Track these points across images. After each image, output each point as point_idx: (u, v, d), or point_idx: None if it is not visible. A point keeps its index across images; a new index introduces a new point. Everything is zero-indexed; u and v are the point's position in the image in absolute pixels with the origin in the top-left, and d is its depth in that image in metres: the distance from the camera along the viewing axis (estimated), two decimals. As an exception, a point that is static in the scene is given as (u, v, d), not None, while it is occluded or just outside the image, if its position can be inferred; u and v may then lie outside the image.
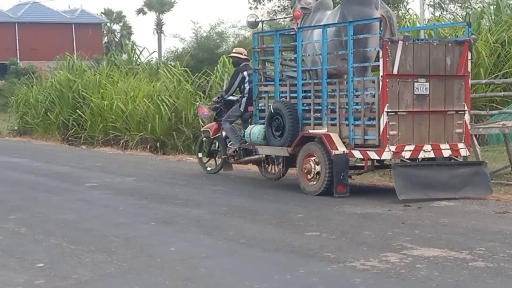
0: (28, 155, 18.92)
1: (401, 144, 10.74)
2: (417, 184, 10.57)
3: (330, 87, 11.56)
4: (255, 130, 12.42)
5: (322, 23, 11.90)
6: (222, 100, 13.89)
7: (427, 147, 10.99)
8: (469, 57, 11.38)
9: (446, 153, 11.15)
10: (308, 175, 11.35)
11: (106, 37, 70.30)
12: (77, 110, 23.70)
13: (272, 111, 12.03)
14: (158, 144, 20.11)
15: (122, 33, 70.58)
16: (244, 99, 13.43)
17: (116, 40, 68.64)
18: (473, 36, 11.81)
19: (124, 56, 31.30)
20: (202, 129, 15.14)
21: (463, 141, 11.29)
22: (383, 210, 9.75)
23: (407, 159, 10.82)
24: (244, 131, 12.88)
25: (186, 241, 8.12)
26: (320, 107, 11.67)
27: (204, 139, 14.51)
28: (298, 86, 12.01)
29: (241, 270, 6.80)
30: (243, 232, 8.43)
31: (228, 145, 13.63)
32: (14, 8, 66.21)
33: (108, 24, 70.85)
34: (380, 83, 10.63)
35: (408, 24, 19.91)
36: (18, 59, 58.51)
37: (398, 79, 10.71)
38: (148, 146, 20.20)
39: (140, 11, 70.96)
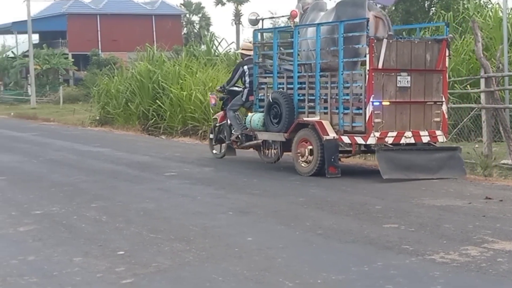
0: (109, 144, 19.29)
1: (385, 131, 12.01)
2: (399, 166, 11.86)
3: (323, 79, 12.82)
4: (255, 118, 13.82)
5: (315, 22, 13.25)
6: (225, 90, 15.36)
7: (408, 133, 12.26)
8: (447, 54, 12.71)
9: (425, 139, 12.43)
10: (302, 158, 12.66)
11: (185, 28, 71.09)
12: (157, 101, 24.00)
13: (271, 101, 13.37)
14: (235, 135, 20.22)
15: (201, 24, 71.27)
16: (246, 90, 14.79)
17: (195, 31, 69.35)
18: (450, 35, 13.11)
19: (203, 47, 31.58)
20: (213, 117, 17.08)
21: (440, 129, 12.56)
22: (463, 203, 9.59)
23: (390, 144, 12.04)
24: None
25: (263, 231, 8.15)
26: (313, 97, 12.95)
27: (217, 125, 15.72)
28: (294, 78, 13.27)
29: (318, 261, 6.79)
30: (320, 223, 8.41)
31: (232, 132, 14.91)
32: (96, 0, 67.53)
33: (187, 15, 71.61)
34: (367, 76, 11.92)
35: (490, 14, 19.51)
36: (100, 50, 59.76)
37: (382, 73, 12.01)
38: (226, 136, 20.33)
39: (219, 2, 71.44)
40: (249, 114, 14.35)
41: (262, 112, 13.75)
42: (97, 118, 27.85)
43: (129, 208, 9.75)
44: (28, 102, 46.27)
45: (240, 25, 68.84)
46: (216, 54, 27.93)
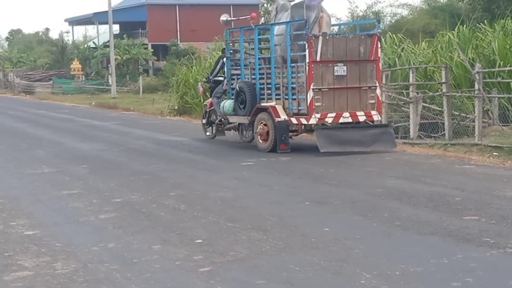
0: (188, 134, 19.48)
1: (325, 112, 14.26)
2: (336, 141, 14.09)
3: (277, 70, 15.07)
4: (227, 104, 16.30)
5: (270, 23, 15.79)
6: (210, 80, 17.71)
7: (346, 114, 14.45)
8: (379, 46, 14.84)
9: (362, 118, 14.62)
10: (261, 137, 14.98)
11: (263, 18, 71.10)
12: (234, 90, 24.08)
13: (238, 89, 15.74)
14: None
15: (278, 14, 71.04)
16: (225, 80, 16.90)
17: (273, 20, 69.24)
18: (379, 30, 15.08)
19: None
20: (203, 104, 19.42)
21: (375, 109, 14.73)
22: (547, 196, 9.33)
23: (329, 123, 14.30)
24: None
25: (340, 222, 8.12)
26: (270, 86, 15.22)
27: (207, 110, 17.93)
28: (256, 70, 15.61)
29: (396, 252, 6.72)
30: (398, 215, 8.32)
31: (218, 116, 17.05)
32: (175, -9, 68.15)
33: (265, 4, 71.59)
34: (307, 67, 14.10)
35: None
36: (179, 41, 60.33)
37: (321, 64, 14.23)
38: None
39: (296, -9, 71.13)
40: (223, 100, 16.68)
41: (232, 99, 16.10)
42: (176, 107, 28.12)
43: (207, 197, 9.84)
44: (108, 91, 47.11)
45: (318, 15, 68.47)
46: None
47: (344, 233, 7.48)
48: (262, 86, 15.44)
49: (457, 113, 16.50)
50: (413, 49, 21.49)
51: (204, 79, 18.70)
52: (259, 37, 15.86)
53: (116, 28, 63.80)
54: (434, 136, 16.46)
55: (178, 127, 22.01)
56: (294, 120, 14.61)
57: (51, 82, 55.52)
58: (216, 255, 6.74)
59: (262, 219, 8.25)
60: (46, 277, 6.22)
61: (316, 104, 14.15)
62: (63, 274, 6.30)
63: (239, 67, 16.38)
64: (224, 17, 17.69)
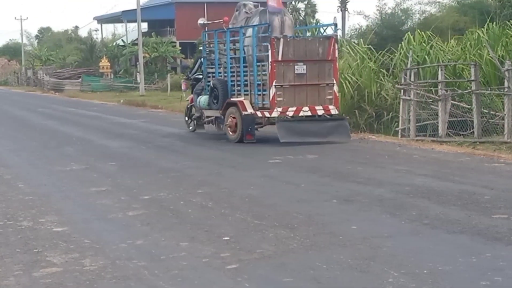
0: (215, 132, 19.51)
1: (286, 106, 15.88)
2: (295, 132, 15.57)
3: (245, 69, 16.61)
4: (203, 99, 17.95)
5: (238, 26, 17.38)
6: (189, 78, 19.68)
7: (306, 108, 16.03)
8: (336, 47, 16.42)
9: (320, 112, 16.21)
10: (230, 129, 16.57)
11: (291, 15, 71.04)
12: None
13: (212, 86, 17.43)
14: (340, 122, 20.11)
15: (306, 11, 71.07)
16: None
17: (301, 18, 69.16)
18: (335, 33, 17.07)
19: (308, 34, 31.42)
20: (186, 99, 21.09)
21: (333, 104, 16.34)
22: None
23: (290, 116, 15.82)
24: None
25: (368, 220, 8.08)
26: (240, 83, 16.74)
27: (188, 106, 19.70)
28: (228, 69, 17.24)
29: (425, 251, 6.68)
30: (427, 213, 8.27)
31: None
32: (203, -11, 68.25)
33: (293, 2, 71.51)
34: (269, 66, 15.71)
35: None
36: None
37: (282, 63, 15.86)
38: (331, 124, 20.24)
39: (325, -11, 70.96)
40: (199, 96, 18.31)
41: (208, 95, 17.73)
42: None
43: (234, 194, 9.86)
44: (137, 89, 47.36)
45: (346, 12, 68.25)
46: (321, 41, 27.74)
47: (371, 231, 7.45)
48: (233, 83, 17.07)
49: (486, 111, 16.38)
50: (442, 46, 21.36)
51: (185, 76, 21.11)
52: (231, 38, 17.53)
53: (144, 26, 64.09)
54: (463, 134, 16.35)
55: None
56: (259, 113, 16.23)
57: (80, 80, 55.96)
58: (243, 253, 6.75)
59: (289, 217, 8.25)
60: (75, 274, 6.26)
61: (278, 99, 15.85)
62: (91, 270, 6.35)
63: (213, 66, 18.11)
64: (201, 21, 19.48)
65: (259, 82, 16.18)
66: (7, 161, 14.07)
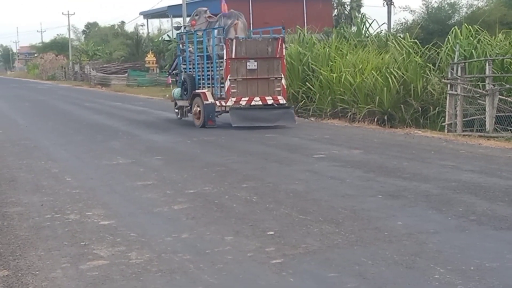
0: (260, 126, 19.51)
1: (239, 97, 18.84)
2: (246, 118, 18.56)
3: (208, 65, 19.80)
4: (176, 91, 21.45)
5: (203, 28, 20.60)
6: (170, 73, 23.35)
7: (257, 98, 19.00)
8: (283, 47, 19.46)
9: (270, 101, 19.15)
10: (196, 116, 19.63)
11: (336, 10, 70.68)
12: (307, 83, 24.06)
13: (183, 80, 20.81)
14: (385, 117, 19.98)
15: (352, 6, 70.56)
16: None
17: (346, 12, 68.80)
18: (282, 35, 19.66)
19: (354, 29, 31.29)
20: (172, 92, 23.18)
21: (281, 95, 19.24)
22: None
23: (243, 105, 18.79)
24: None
25: (414, 216, 8.02)
26: (203, 77, 20.05)
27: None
28: (195, 65, 20.69)
29: (471, 247, 6.61)
30: (473, 209, 8.18)
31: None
32: (249, -16, 68.23)
33: (338, -2, 71.07)
34: (225, 63, 18.77)
35: None
36: (251, 33, 60.44)
37: (236, 60, 18.82)
38: (376, 119, 20.13)
39: (370, -17, 70.36)
40: (174, 88, 21.88)
41: (180, 87, 21.00)
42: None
43: (278, 189, 9.86)
44: (182, 84, 47.47)
45: (392, 6, 67.69)
46: (367, 35, 27.61)
47: (417, 227, 7.39)
48: (199, 77, 20.31)
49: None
50: (489, 40, 21.06)
51: (167, 73, 25.33)
52: (198, 39, 20.77)
53: (189, 21, 64.21)
54: (511, 129, 16.12)
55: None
56: (218, 103, 19.18)
57: (126, 74, 56.36)
58: (288, 247, 6.75)
59: (334, 212, 8.23)
60: (121, 266, 6.33)
61: (232, 90, 18.78)
62: (137, 263, 6.41)
63: (185, 63, 21.39)
64: (175, 24, 24.47)
65: (218, 76, 19.29)
66: (54, 155, 14.26)
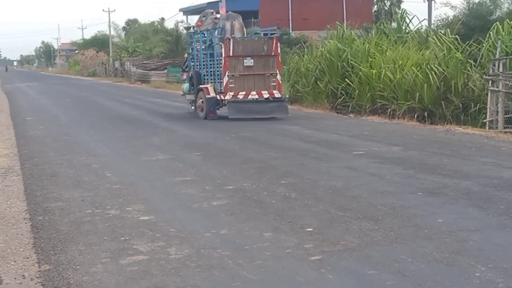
0: (299, 122, 19.52)
1: (237, 91, 20.59)
2: (243, 111, 20.36)
3: (211, 63, 21.56)
4: (185, 86, 23.38)
5: (208, 28, 22.19)
6: (184, 70, 24.58)
7: (253, 92, 20.67)
8: (278, 45, 21.07)
9: (266, 95, 20.83)
10: (200, 108, 21.60)
11: (375, 6, 70.29)
12: (346, 79, 23.95)
13: (191, 75, 22.68)
14: (425, 114, 19.80)
15: (392, 1, 70.09)
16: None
17: (386, 8, 68.37)
18: (276, 35, 21.46)
19: (393, 25, 31.03)
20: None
21: (276, 89, 20.91)
22: None
23: (240, 99, 20.55)
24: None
25: (454, 213, 7.95)
26: (207, 73, 21.85)
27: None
28: (201, 62, 22.44)
29: (513, 246, 6.53)
30: (515, 207, 8.08)
31: None
32: (288, -21, 68.16)
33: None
34: (223, 60, 20.48)
35: None
36: (290, 29, 60.39)
37: (233, 58, 20.55)
38: (416, 116, 19.97)
39: (410, -22, 69.89)
40: (185, 84, 23.74)
41: (189, 83, 22.83)
42: (287, 96, 28.20)
43: (317, 185, 9.84)
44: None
45: (433, 2, 67.08)
46: (407, 31, 27.38)
47: (458, 225, 7.32)
48: (204, 74, 22.00)
49: None
50: (532, 36, 20.74)
51: (181, 69, 27.24)
52: (203, 39, 22.37)
53: (229, 17, 64.34)
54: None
55: (289, 116, 22.06)
56: (218, 97, 20.88)
57: (165, 71, 56.66)
58: (327, 244, 6.74)
59: (373, 209, 8.18)
60: (161, 262, 6.37)
61: (230, 85, 20.50)
62: (176, 259, 6.44)
63: (193, 60, 23.17)
64: (185, 25, 26.11)
65: (218, 73, 21.03)
66: (95, 151, 14.40)
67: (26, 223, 8.12)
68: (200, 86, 21.60)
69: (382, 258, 6.25)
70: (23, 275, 6.18)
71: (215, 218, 8.05)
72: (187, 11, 74.65)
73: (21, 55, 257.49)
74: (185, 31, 26.84)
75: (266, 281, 5.82)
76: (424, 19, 37.83)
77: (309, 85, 26.13)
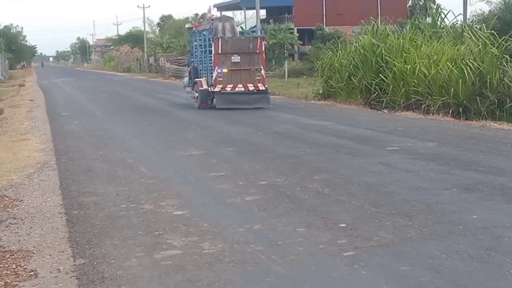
0: (332, 118, 19.47)
1: (225, 84, 23.21)
2: (229, 101, 23.04)
3: (204, 59, 24.60)
4: (186, 80, 26.91)
5: (205, 28, 25.34)
6: (189, 65, 27.18)
7: (240, 85, 23.26)
8: (262, 44, 23.86)
9: (251, 88, 23.36)
10: (195, 99, 24.76)
11: (410, 1, 69.79)
12: (380, 74, 23.82)
13: (189, 70, 26.07)
14: (460, 109, 19.63)
15: (426, -4, 69.53)
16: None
17: (421, 3, 67.87)
18: (260, 35, 24.80)
19: (428, 20, 30.82)
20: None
21: (261, 82, 23.48)
22: None
23: (228, 91, 23.14)
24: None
25: (489, 209, 7.88)
26: (202, 68, 25.10)
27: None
28: (197, 58, 25.75)
29: (549, 243, 6.46)
30: (552, 203, 7.99)
31: None
32: (322, -25, 67.94)
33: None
34: (213, 57, 23.24)
35: None
36: (324, 25, 60.21)
37: (222, 55, 23.19)
38: (450, 111, 19.80)
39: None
40: (185, 78, 27.66)
41: (188, 77, 26.22)
42: (320, 92, 28.13)
43: (351, 181, 9.81)
44: (255, 76, 47.59)
45: (468, -4, 66.32)
46: (442, 26, 27.15)
47: (493, 221, 7.26)
48: (200, 69, 25.15)
49: None
50: None
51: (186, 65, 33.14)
52: (199, 38, 25.61)
53: (263, 13, 64.44)
54: None
55: (323, 111, 22.02)
56: (209, 89, 23.72)
57: (199, 66, 56.78)
58: (360, 240, 6.72)
59: (407, 205, 8.14)
60: (194, 256, 6.40)
61: (219, 79, 23.21)
62: (210, 254, 6.47)
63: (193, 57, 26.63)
64: (188, 25, 30.23)
65: (210, 68, 23.79)
66: (130, 146, 14.51)
67: (61, 217, 8.21)
68: (196, 79, 24.75)
69: (416, 254, 6.22)
70: (58, 269, 6.25)
71: (248, 213, 8.07)
72: (221, 7, 74.78)
73: (57, 51, 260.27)
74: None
75: (299, 276, 5.82)
76: (460, 14, 37.45)
77: (342, 80, 26.04)
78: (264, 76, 23.96)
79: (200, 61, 25.30)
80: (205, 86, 23.87)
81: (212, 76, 23.49)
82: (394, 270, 5.86)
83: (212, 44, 23.32)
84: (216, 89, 23.25)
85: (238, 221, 7.65)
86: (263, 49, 24.04)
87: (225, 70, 23.16)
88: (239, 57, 23.28)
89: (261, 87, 23.46)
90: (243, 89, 23.29)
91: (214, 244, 6.78)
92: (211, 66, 23.57)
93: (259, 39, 23.80)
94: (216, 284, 5.71)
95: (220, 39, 23.27)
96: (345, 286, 5.59)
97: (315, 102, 26.78)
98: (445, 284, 5.50)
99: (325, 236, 6.92)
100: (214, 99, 23.70)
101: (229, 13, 70.99)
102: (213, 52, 23.29)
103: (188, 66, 28.14)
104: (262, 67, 23.65)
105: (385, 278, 5.70)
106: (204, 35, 24.99)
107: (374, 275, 5.79)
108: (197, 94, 24.34)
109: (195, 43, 26.21)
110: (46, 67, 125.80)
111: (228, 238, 6.97)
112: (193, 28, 27.83)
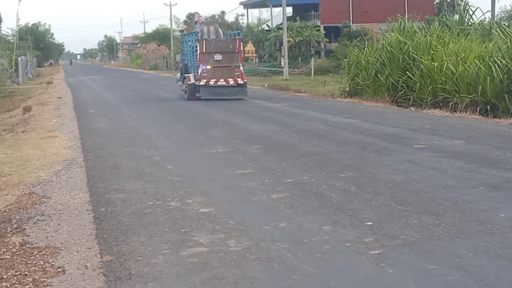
0: (358, 116, 19.41)
1: (209, 79, 27.19)
2: (212, 93, 27.16)
3: (192, 57, 28.90)
4: (178, 75, 31.36)
5: (194, 31, 30.58)
6: (181, 63, 32.35)
7: (222, 80, 27.24)
8: (241, 44, 28.25)
9: (231, 82, 27.32)
10: (184, 92, 29.02)
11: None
12: (407, 72, 23.69)
13: (181, 67, 30.87)
14: (488, 107, 19.47)
15: (454, -7, 69.00)
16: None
17: (448, 0, 67.38)
18: (239, 37, 28.78)
19: (456, 17, 30.60)
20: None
21: (240, 77, 27.45)
22: None
23: (211, 85, 27.19)
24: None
25: (517, 208, 7.81)
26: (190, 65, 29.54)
27: None
28: (187, 56, 30.36)
29: None
30: None
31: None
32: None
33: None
34: (198, 56, 27.36)
35: None
36: (351, 22, 60.02)
37: (206, 54, 27.14)
38: (478, 109, 19.64)
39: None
40: (177, 74, 32.61)
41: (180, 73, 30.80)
42: (347, 89, 28.08)
43: (377, 179, 9.77)
44: (280, 73, 47.69)
45: (496, -7, 65.71)
46: (470, 23, 26.95)
47: (521, 220, 7.19)
48: (189, 65, 29.18)
49: None
50: None
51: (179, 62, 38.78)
52: (189, 39, 30.49)
53: (289, 10, 64.35)
54: None
55: (349, 109, 21.96)
56: (196, 83, 27.50)
57: (225, 64, 56.83)
58: (387, 238, 6.69)
59: (434, 203, 8.10)
60: (220, 254, 6.42)
61: (203, 74, 27.09)
62: (236, 251, 6.48)
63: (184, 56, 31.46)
64: (179, 28, 38.15)
65: (197, 65, 27.61)
66: (156, 143, 14.57)
67: (88, 214, 8.27)
68: (185, 74, 28.92)
69: (443, 253, 6.18)
70: (85, 266, 6.30)
71: (275, 211, 8.07)
72: (248, 5, 74.85)
73: (84, 49, 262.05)
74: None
75: (325, 274, 5.81)
76: (488, 11, 37.09)
77: (369, 78, 25.95)
78: (243, 71, 28.15)
79: (189, 59, 29.67)
80: (192, 81, 27.85)
81: (198, 72, 27.41)
82: (421, 268, 5.83)
83: (198, 45, 27.49)
84: (201, 83, 27.17)
85: (264, 218, 7.66)
86: (242, 48, 28.70)
87: (209, 67, 27.06)
88: (221, 56, 27.18)
89: (240, 81, 27.54)
90: (224, 83, 27.29)
91: (240, 241, 6.78)
92: (198, 63, 27.51)
93: (238, 40, 27.90)
94: (242, 281, 5.71)
95: (204, 41, 27.36)
96: (372, 284, 5.57)
97: (341, 99, 26.72)
98: (472, 283, 5.47)
99: (351, 234, 6.90)
100: (199, 91, 27.49)
101: (255, 11, 71.19)
102: (198, 52, 27.38)
103: (180, 63, 33.25)
104: (240, 64, 27.87)
105: (412, 276, 5.68)
106: (191, 36, 29.97)
107: (401, 273, 5.76)
108: (185, 88, 28.59)
109: (186, 43, 31.14)
110: (74, 65, 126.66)
111: (254, 235, 6.98)
112: (184, 31, 34.14)
